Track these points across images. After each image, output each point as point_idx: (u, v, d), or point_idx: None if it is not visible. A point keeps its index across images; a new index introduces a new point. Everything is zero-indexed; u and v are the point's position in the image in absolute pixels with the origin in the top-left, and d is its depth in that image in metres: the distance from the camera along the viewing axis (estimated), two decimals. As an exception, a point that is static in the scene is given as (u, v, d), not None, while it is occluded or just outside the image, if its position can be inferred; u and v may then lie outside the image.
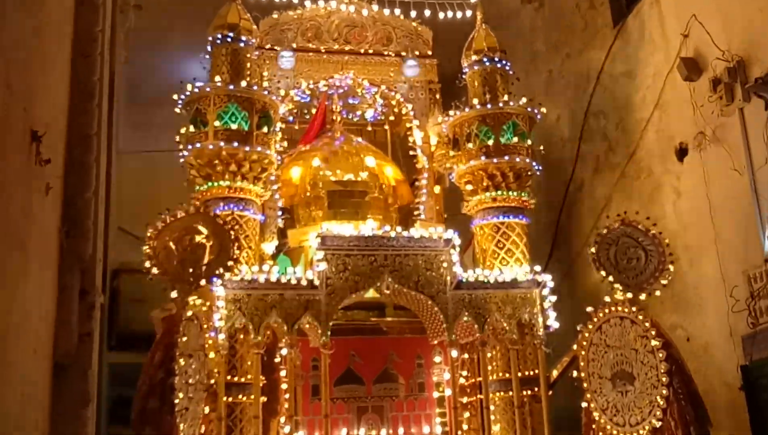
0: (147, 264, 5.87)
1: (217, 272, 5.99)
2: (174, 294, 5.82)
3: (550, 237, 10.34)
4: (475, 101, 8.53)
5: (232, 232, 6.09)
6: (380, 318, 8.48)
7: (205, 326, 6.15)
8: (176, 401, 5.32)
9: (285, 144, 8.79)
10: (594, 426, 6.95)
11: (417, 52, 9.61)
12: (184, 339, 5.49)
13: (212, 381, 6.53)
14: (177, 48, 11.42)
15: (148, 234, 5.92)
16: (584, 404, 7.05)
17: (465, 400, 8.19)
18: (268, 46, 9.22)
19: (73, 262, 3.76)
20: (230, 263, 6.05)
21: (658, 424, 6.45)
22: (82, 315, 3.90)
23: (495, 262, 8.18)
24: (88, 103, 4.00)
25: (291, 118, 9.87)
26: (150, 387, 5.35)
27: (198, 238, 5.97)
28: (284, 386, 7.31)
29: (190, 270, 5.89)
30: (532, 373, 7.75)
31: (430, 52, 9.72)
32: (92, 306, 3.98)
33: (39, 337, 3.33)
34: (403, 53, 9.54)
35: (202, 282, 5.92)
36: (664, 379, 6.51)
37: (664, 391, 6.48)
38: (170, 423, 5.26)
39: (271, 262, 7.98)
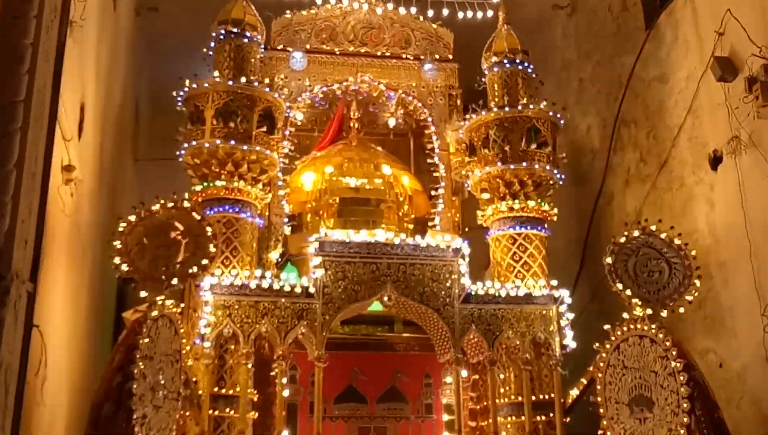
0: (117, 260, 5.47)
1: (190, 272, 5.55)
2: (143, 293, 5.40)
3: (580, 254, 9.70)
4: (493, 104, 8.01)
5: (209, 229, 5.65)
6: (388, 333, 8.00)
7: (182, 330, 5.71)
8: (134, 407, 4.87)
9: (292, 148, 8.38)
10: (611, 456, 6.27)
11: (437, 56, 9.13)
12: (146, 341, 5.05)
13: (192, 391, 6.08)
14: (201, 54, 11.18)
15: (120, 228, 5.53)
16: (600, 432, 6.38)
17: (474, 424, 7.60)
18: (280, 47, 8.86)
19: (-19, 241, 3.30)
20: (205, 262, 5.61)
21: (678, 456, 5.76)
22: (-9, 301, 3.42)
23: (510, 276, 7.60)
24: (15, 67, 3.58)
25: (310, 127, 9.52)
26: (106, 391, 4.92)
27: (173, 235, 5.54)
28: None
29: (163, 268, 5.46)
30: (547, 396, 7.15)
31: (450, 56, 9.25)
32: (6, 291, 3.52)
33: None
34: (422, 56, 9.08)
35: (174, 281, 5.48)
36: (685, 405, 5.82)
37: (685, 419, 5.79)
38: (125, 431, 4.81)
39: (274, 271, 7.55)
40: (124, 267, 5.50)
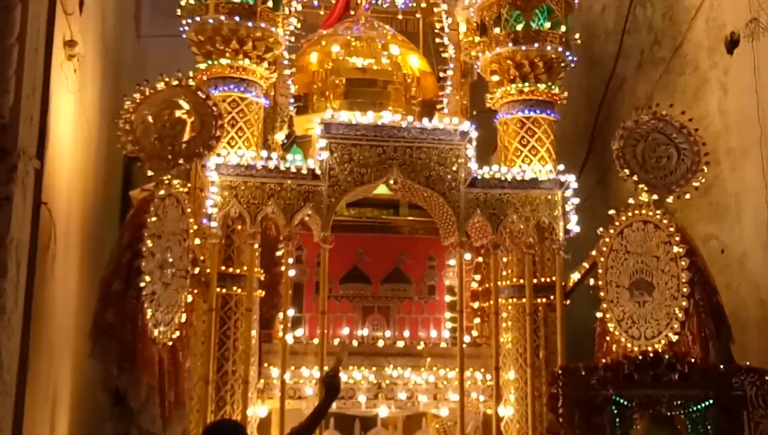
0: (122, 139, 5.43)
1: (196, 151, 5.52)
2: (150, 172, 5.40)
3: (588, 139, 9.60)
4: (505, -20, 7.74)
5: (215, 108, 5.58)
6: (394, 217, 8.05)
7: (189, 210, 5.74)
8: (142, 284, 4.95)
9: (298, 25, 8.15)
10: (608, 338, 6.43)
11: (448, -76, 8.77)
12: (154, 219, 5.08)
13: (199, 270, 6.18)
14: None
15: (125, 106, 5.46)
16: (599, 314, 6.52)
17: (476, 305, 7.76)
18: None
19: (-15, 116, 3.26)
20: (211, 142, 5.58)
21: (675, 338, 5.89)
22: (0, 177, 3.43)
23: (517, 160, 7.55)
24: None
25: (316, 3, 9.26)
26: (116, 268, 4.99)
27: (178, 113, 5.48)
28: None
29: (169, 147, 5.43)
30: (548, 279, 7.23)
31: (462, -75, 8.86)
32: (13, 168, 3.51)
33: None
34: (432, -75, 8.73)
35: (180, 160, 5.46)
36: (684, 289, 5.91)
37: (684, 303, 5.90)
38: (135, 307, 4.91)
39: (280, 152, 7.51)
40: (130, 146, 5.48)
